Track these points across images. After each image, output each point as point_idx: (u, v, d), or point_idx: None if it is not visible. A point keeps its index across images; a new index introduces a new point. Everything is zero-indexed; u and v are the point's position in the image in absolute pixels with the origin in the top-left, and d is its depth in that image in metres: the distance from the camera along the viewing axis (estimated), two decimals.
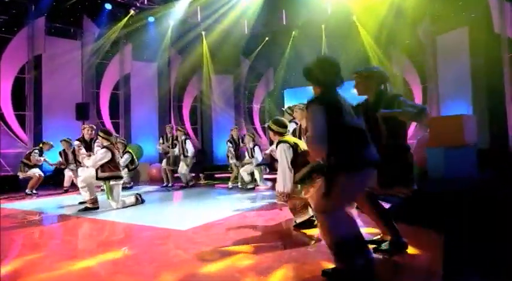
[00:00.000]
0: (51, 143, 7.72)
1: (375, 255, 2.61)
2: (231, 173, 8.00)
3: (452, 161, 5.40)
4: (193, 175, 8.73)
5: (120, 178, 5.29)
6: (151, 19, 11.35)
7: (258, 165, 7.28)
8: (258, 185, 7.47)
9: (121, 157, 7.93)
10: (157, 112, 11.96)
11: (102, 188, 5.58)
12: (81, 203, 5.51)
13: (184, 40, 11.88)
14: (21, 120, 9.22)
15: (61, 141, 7.52)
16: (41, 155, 7.51)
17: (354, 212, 4.07)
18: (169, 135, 8.42)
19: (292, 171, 3.46)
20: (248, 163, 7.40)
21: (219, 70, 12.70)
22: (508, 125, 7.70)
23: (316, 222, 3.23)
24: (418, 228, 3.42)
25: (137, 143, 10.81)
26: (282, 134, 3.70)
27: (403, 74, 10.60)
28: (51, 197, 7.07)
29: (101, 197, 5.47)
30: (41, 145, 7.68)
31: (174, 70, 12.33)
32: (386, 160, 2.39)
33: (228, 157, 7.89)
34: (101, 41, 10.57)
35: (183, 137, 8.07)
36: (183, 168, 8.02)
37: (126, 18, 10.80)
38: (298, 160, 3.43)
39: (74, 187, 7.38)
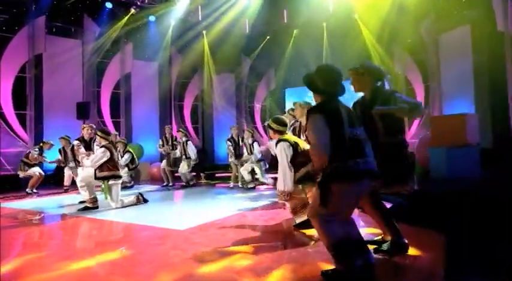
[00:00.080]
0: (52, 142, 7.71)
1: (375, 256, 2.58)
2: (231, 172, 7.97)
3: (455, 160, 5.35)
4: (194, 174, 8.71)
5: (119, 177, 5.26)
6: (152, 18, 11.32)
7: (258, 161, 7.23)
8: (259, 184, 7.43)
9: (121, 157, 7.92)
10: (158, 111, 11.95)
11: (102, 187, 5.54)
12: (81, 202, 5.49)
13: (185, 39, 11.84)
14: (22, 120, 9.22)
15: (60, 138, 7.52)
16: (41, 154, 7.50)
17: (355, 211, 4.04)
18: (168, 136, 8.38)
19: (293, 170, 3.42)
20: (247, 160, 7.34)
21: (220, 69, 12.66)
22: (511, 124, 7.63)
23: None
24: (419, 228, 3.38)
25: (138, 143, 10.79)
26: (281, 133, 3.66)
27: (405, 72, 10.54)
28: (52, 196, 7.06)
29: (101, 197, 5.44)
30: (41, 144, 7.68)
31: (174, 69, 12.30)
32: (384, 158, 2.36)
33: (228, 155, 7.88)
34: (101, 40, 10.55)
35: (184, 139, 8.02)
36: (183, 168, 7.99)
37: (126, 17, 10.77)
38: (298, 159, 3.39)
39: (74, 186, 7.34)
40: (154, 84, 11.96)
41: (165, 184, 8.28)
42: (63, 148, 7.57)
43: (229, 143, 7.80)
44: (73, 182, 7.52)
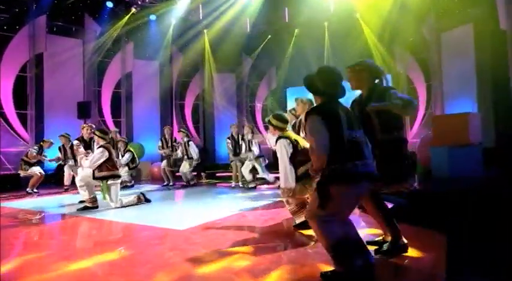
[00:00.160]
0: (51, 140, 7.71)
1: (375, 257, 2.54)
2: (232, 172, 7.94)
3: (457, 160, 5.31)
4: (195, 173, 8.68)
5: (118, 177, 5.24)
6: (152, 17, 11.31)
7: (257, 157, 7.19)
8: (260, 184, 7.39)
9: (122, 156, 7.91)
10: (159, 110, 11.94)
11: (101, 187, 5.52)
12: (80, 202, 5.46)
13: (186, 38, 11.83)
14: (23, 119, 9.23)
15: (60, 136, 7.53)
16: (41, 153, 7.50)
17: (356, 212, 4.00)
18: (168, 137, 8.34)
19: (293, 167, 3.37)
20: (245, 158, 7.30)
21: (221, 68, 12.63)
22: None
23: None
24: (420, 229, 3.34)
25: (139, 142, 10.78)
26: (282, 130, 3.60)
27: (407, 71, 10.50)
28: (52, 196, 7.05)
29: (100, 196, 5.42)
30: (41, 143, 7.69)
31: (175, 68, 12.29)
32: (382, 156, 2.33)
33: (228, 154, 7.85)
34: (102, 39, 10.54)
35: (186, 139, 7.99)
36: (185, 167, 7.97)
37: (127, 16, 10.76)
38: (297, 158, 3.35)
39: (74, 185, 7.32)
40: (155, 84, 11.95)
41: (165, 183, 8.26)
42: (63, 145, 7.57)
43: (228, 141, 7.77)
44: (73, 182, 7.52)
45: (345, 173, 2.11)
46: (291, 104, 8.78)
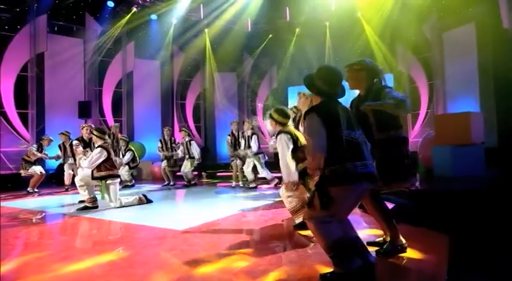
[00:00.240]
0: (50, 137, 7.71)
1: (376, 258, 2.51)
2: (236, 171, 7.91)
3: (459, 159, 5.28)
4: (196, 173, 8.66)
5: (117, 176, 5.22)
6: (153, 16, 11.31)
7: (256, 154, 7.14)
8: (260, 184, 7.36)
9: (123, 155, 7.90)
10: (160, 110, 11.93)
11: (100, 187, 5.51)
12: (80, 202, 5.45)
13: (187, 37, 11.83)
14: (24, 119, 9.24)
15: (60, 134, 7.54)
16: (41, 151, 7.49)
17: (357, 212, 3.97)
18: (167, 138, 8.32)
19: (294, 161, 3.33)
20: (244, 154, 7.26)
21: (222, 68, 12.62)
22: None
23: None
24: (422, 229, 3.31)
25: (140, 141, 10.77)
26: (283, 124, 3.54)
27: (408, 71, 10.44)
28: (53, 195, 7.04)
29: (100, 196, 5.40)
30: (40, 141, 7.69)
31: (176, 68, 12.28)
32: (380, 155, 2.30)
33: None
34: (103, 39, 10.55)
35: (187, 139, 7.97)
36: (186, 167, 7.95)
37: (128, 16, 10.77)
38: (297, 154, 3.32)
39: (74, 185, 7.32)
40: (156, 83, 11.94)
41: (166, 183, 8.25)
42: (63, 143, 7.57)
43: (228, 137, 7.75)
44: (73, 181, 7.51)
45: (345, 174, 2.09)
46: (292, 104, 8.75)
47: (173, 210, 5.46)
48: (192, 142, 7.97)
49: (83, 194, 5.13)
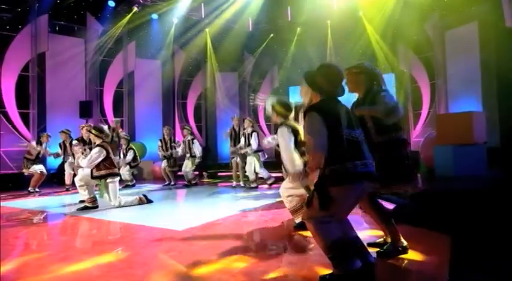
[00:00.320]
0: (49, 134, 7.71)
1: (377, 259, 2.48)
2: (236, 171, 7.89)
3: (461, 159, 5.24)
4: (197, 173, 8.65)
5: (116, 175, 5.22)
6: (154, 16, 11.29)
7: (255, 152, 7.11)
8: (261, 184, 7.33)
9: (124, 154, 7.90)
10: (161, 110, 11.92)
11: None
12: (81, 201, 5.45)
13: (188, 37, 11.79)
14: (25, 118, 9.24)
15: (60, 132, 7.55)
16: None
17: (358, 212, 3.94)
18: (167, 138, 8.30)
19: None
20: (244, 153, 7.23)
21: (224, 67, 12.59)
22: None
23: None
24: (423, 229, 3.28)
25: (141, 141, 10.77)
26: (284, 117, 3.47)
27: (410, 70, 10.39)
28: (53, 195, 7.05)
29: (99, 195, 5.40)
30: (39, 138, 7.70)
31: (178, 67, 12.27)
32: (380, 158, 2.28)
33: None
34: (104, 39, 10.54)
35: (190, 137, 7.97)
36: (187, 167, 7.93)
37: (129, 16, 10.76)
38: (296, 149, 3.28)
39: (75, 184, 7.35)
40: (157, 83, 11.93)
41: (166, 183, 8.23)
42: (63, 142, 7.58)
43: (228, 130, 7.75)
44: (74, 181, 7.52)
45: (345, 174, 2.06)
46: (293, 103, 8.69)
47: (173, 210, 5.44)
48: (195, 141, 7.98)
49: (83, 194, 5.13)
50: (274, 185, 7.16)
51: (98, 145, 5.08)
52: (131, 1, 10.83)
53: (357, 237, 2.20)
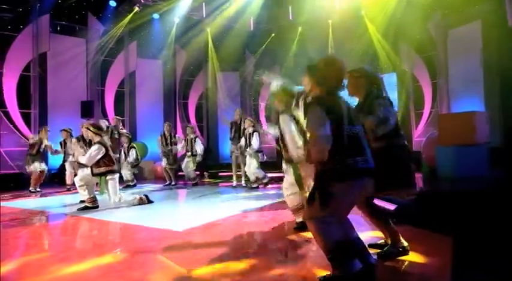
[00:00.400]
0: (46, 127, 7.73)
1: (377, 260, 2.46)
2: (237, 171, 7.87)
3: (463, 159, 5.19)
4: (198, 173, 8.64)
5: (116, 172, 5.22)
6: (155, 16, 11.28)
7: (256, 152, 7.06)
8: (261, 184, 7.31)
9: (126, 152, 7.90)
10: (162, 110, 11.91)
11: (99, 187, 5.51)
12: (81, 201, 5.44)
13: (189, 37, 11.77)
14: (26, 118, 9.24)
15: (61, 131, 7.56)
16: (41, 142, 7.49)
17: (359, 213, 3.91)
18: (167, 134, 8.29)
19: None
20: (243, 152, 7.21)
21: (225, 67, 12.56)
22: None
23: None
24: (425, 230, 3.25)
25: (142, 141, 10.76)
26: (286, 104, 3.42)
27: (412, 69, 10.34)
28: (54, 195, 7.05)
29: (102, 197, 5.39)
30: (38, 134, 7.72)
31: (179, 67, 12.25)
32: (377, 163, 2.26)
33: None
34: (105, 39, 10.53)
35: (192, 136, 7.97)
36: (188, 166, 7.92)
37: (130, 15, 10.75)
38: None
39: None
40: (158, 83, 11.92)
41: (167, 183, 8.22)
42: (64, 140, 7.58)
43: (230, 126, 7.74)
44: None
45: (346, 170, 2.04)
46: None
47: (174, 210, 5.43)
48: (197, 139, 7.99)
49: (83, 194, 5.12)
50: (275, 186, 7.15)
51: (96, 142, 5.09)
52: (132, 1, 10.82)
53: (358, 238, 2.18)
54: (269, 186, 7.26)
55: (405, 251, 2.61)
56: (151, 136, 11.03)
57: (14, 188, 7.78)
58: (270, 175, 7.34)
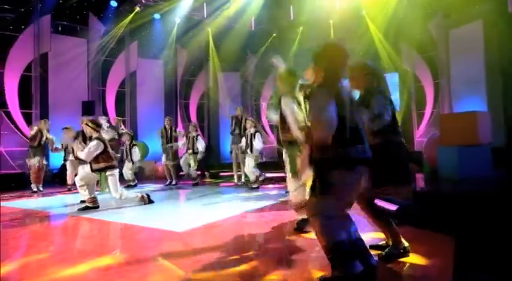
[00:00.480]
0: (47, 120, 7.72)
1: (378, 262, 2.44)
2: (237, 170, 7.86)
3: (465, 160, 5.16)
4: (199, 173, 8.62)
5: (115, 167, 5.22)
6: (156, 16, 11.28)
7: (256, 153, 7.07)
8: (261, 184, 7.29)
9: (127, 151, 7.90)
10: (163, 110, 11.90)
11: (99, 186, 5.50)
12: (82, 201, 5.43)
13: (190, 37, 11.77)
14: (28, 118, 9.24)
15: (63, 129, 7.54)
16: (41, 136, 7.48)
17: (361, 213, 3.89)
18: (167, 127, 8.27)
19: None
20: (243, 152, 7.18)
21: (226, 67, 12.55)
22: None
23: None
24: (427, 231, 3.23)
25: (143, 141, 10.76)
26: (289, 87, 3.42)
27: (413, 69, 10.30)
28: (55, 195, 7.04)
29: (103, 197, 5.39)
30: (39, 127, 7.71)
31: (180, 67, 12.25)
32: (375, 160, 2.25)
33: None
34: (106, 39, 10.54)
35: (194, 134, 7.98)
36: (190, 165, 7.90)
37: (131, 15, 10.74)
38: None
39: None
40: (159, 83, 11.92)
41: (168, 182, 8.21)
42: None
43: (230, 119, 7.78)
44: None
45: (347, 158, 2.05)
46: None
47: (174, 211, 5.41)
48: (199, 137, 7.99)
49: (83, 194, 5.12)
50: (276, 186, 7.13)
51: (95, 138, 5.09)
52: (133, 1, 10.82)
53: (361, 239, 2.16)
54: (270, 186, 7.24)
55: (406, 252, 2.60)
56: (152, 136, 11.02)
57: (15, 188, 7.78)
58: (270, 175, 7.32)
